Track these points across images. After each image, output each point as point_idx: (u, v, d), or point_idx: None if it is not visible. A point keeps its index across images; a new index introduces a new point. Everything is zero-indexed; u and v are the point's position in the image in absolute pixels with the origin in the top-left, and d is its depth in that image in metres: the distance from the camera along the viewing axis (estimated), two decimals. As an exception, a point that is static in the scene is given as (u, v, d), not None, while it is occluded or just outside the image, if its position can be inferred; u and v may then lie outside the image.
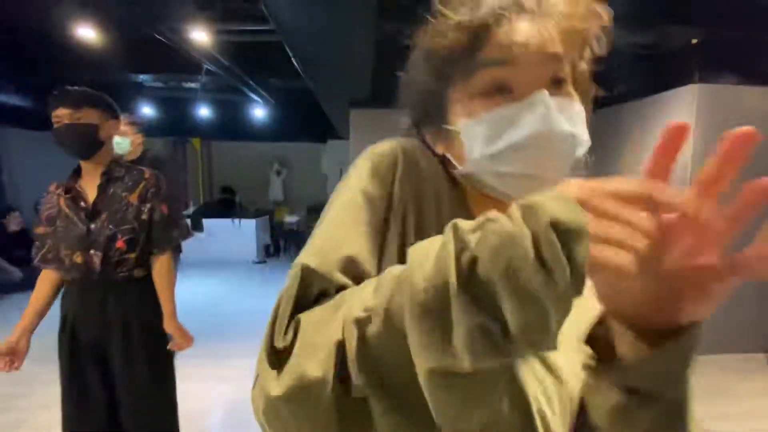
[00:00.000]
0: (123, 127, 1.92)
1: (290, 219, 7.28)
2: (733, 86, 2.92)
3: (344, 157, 7.29)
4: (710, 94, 2.90)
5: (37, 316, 1.48)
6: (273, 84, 4.78)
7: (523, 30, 0.37)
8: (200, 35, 2.59)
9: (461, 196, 0.44)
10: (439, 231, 0.29)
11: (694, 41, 2.85)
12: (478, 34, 0.38)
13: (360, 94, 3.78)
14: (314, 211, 8.04)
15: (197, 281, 4.81)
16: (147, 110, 5.69)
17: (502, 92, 0.39)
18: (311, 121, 6.43)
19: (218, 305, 4.13)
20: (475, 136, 0.39)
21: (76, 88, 1.41)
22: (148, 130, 3.60)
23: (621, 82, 3.65)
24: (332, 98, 4.01)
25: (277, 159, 7.97)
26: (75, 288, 1.45)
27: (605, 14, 0.40)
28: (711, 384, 2.53)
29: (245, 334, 3.41)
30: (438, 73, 0.42)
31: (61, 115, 1.35)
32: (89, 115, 1.38)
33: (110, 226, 1.42)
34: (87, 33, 2.98)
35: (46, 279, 1.46)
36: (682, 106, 3.02)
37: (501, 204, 0.36)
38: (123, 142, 2.10)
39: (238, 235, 6.31)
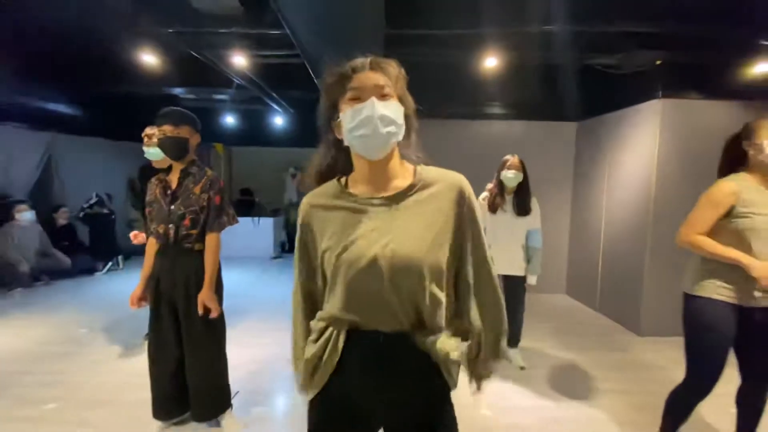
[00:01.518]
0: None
1: (304, 219, 7.80)
2: (694, 100, 3.35)
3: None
4: (673, 108, 3.34)
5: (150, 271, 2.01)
6: (293, 96, 5.34)
7: (366, 75, 0.87)
8: (239, 59, 3.15)
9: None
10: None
11: (658, 62, 3.30)
12: (349, 76, 0.88)
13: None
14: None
15: (222, 273, 5.35)
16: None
17: (357, 100, 0.87)
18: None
19: (241, 293, 4.64)
20: (345, 121, 0.88)
21: (176, 108, 1.95)
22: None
23: (597, 98, 4.12)
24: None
25: (292, 163, 8.53)
26: (160, 252, 1.98)
27: (398, 68, 0.91)
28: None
29: (263, 314, 3.99)
30: (330, 98, 0.92)
31: (165, 129, 1.88)
32: (184, 131, 1.91)
33: (181, 208, 1.94)
34: (138, 55, 3.55)
35: (152, 244, 2.01)
36: (648, 118, 3.47)
37: (361, 159, 0.89)
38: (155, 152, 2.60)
39: (257, 232, 6.84)
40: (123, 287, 4.81)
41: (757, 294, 1.57)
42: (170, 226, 1.93)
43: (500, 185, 2.71)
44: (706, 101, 3.35)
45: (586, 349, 3.21)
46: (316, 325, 0.96)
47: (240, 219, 2.25)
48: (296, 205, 8.27)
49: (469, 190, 0.94)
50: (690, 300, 1.70)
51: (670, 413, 1.80)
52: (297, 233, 0.99)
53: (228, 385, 2.13)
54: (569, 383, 2.69)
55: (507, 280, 2.72)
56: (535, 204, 2.75)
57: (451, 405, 0.97)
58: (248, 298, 4.48)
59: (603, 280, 4.10)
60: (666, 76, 3.32)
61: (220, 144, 7.74)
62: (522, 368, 2.80)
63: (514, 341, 2.87)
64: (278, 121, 6.73)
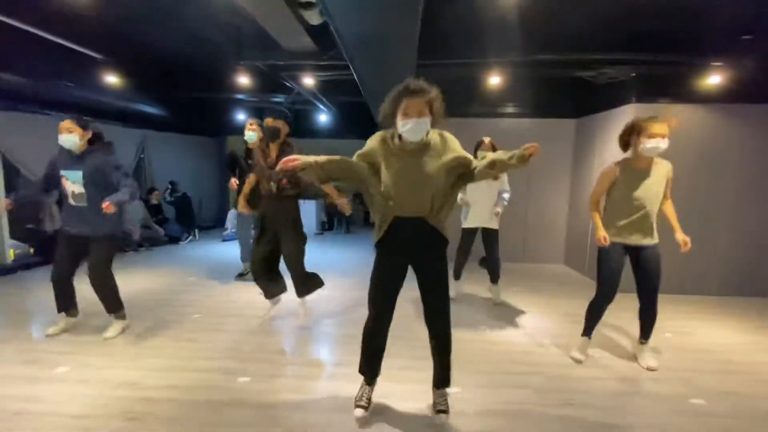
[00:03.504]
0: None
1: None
2: (661, 104, 4.20)
3: (385, 151, 8.85)
4: (643, 111, 4.20)
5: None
6: (337, 99, 6.43)
7: (414, 101, 1.81)
8: (308, 80, 4.24)
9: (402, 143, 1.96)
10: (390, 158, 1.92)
11: (633, 74, 4.16)
12: (407, 95, 1.81)
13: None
14: (359, 195, 9.70)
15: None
16: (242, 117, 7.58)
17: (407, 116, 1.81)
18: (359, 122, 8.04)
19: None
20: (399, 124, 1.85)
21: (279, 107, 3.09)
22: (236, 129, 5.48)
23: (589, 101, 5.01)
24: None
25: (331, 153, 9.66)
26: (265, 199, 3.13)
27: (436, 92, 1.86)
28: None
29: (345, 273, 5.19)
30: (392, 108, 1.90)
31: (268, 121, 3.03)
32: (277, 123, 3.04)
33: (280, 173, 3.07)
34: (231, 76, 4.70)
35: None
36: (623, 120, 4.33)
37: (408, 145, 1.91)
38: (252, 135, 3.88)
39: (303, 212, 8.07)
40: (202, 252, 6.16)
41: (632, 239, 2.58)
42: (272, 183, 3.07)
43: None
44: (671, 105, 4.19)
45: (567, 298, 4.21)
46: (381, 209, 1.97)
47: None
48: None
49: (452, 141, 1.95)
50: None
51: (589, 316, 2.81)
52: (365, 149, 1.97)
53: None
54: (549, 320, 3.71)
55: (484, 232, 3.78)
56: (504, 175, 3.74)
57: (445, 253, 2.04)
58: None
59: (591, 249, 5.04)
60: (639, 85, 4.18)
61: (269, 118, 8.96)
62: (496, 304, 3.88)
63: (495, 278, 3.91)
64: (322, 117, 7.86)
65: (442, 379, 2.18)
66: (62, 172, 2.86)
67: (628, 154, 2.62)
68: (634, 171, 2.57)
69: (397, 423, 2.11)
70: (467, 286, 4.21)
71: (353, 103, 6.64)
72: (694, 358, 2.92)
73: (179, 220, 7.01)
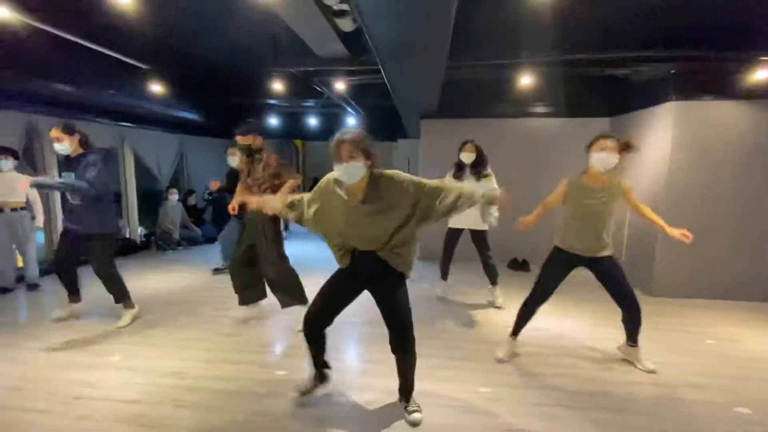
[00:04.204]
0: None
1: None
2: (702, 102, 4.04)
3: (412, 152, 8.91)
4: (684, 109, 4.06)
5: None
6: (366, 102, 6.54)
7: (341, 147, 1.87)
8: (340, 85, 4.36)
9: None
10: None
11: (672, 71, 4.03)
12: (337, 146, 1.89)
13: (429, 109, 5.37)
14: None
15: (301, 246, 6.77)
16: (273, 121, 7.83)
17: (339, 161, 1.86)
18: (386, 125, 8.11)
19: (315, 259, 5.97)
20: (335, 172, 1.92)
21: (249, 121, 3.24)
22: (267, 133, 5.71)
23: (623, 100, 4.88)
24: (410, 112, 5.64)
25: (357, 155, 9.83)
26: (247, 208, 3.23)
27: (359, 136, 1.91)
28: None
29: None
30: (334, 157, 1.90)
31: (238, 139, 3.17)
32: (247, 139, 3.15)
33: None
34: (267, 82, 4.88)
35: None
36: (663, 118, 4.21)
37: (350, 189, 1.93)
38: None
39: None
40: (239, 252, 6.38)
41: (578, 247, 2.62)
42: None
43: (460, 162, 3.71)
44: (712, 102, 4.02)
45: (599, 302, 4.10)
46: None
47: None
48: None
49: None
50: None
51: (521, 316, 2.80)
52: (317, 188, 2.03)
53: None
54: (581, 323, 3.64)
55: (472, 233, 3.75)
56: (492, 177, 3.70)
57: (404, 284, 2.07)
58: (321, 263, 5.79)
59: (628, 252, 4.89)
60: (679, 82, 4.04)
61: (299, 140, 9.21)
62: (498, 308, 3.81)
63: (493, 280, 3.85)
64: (350, 121, 7.99)
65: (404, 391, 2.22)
66: (63, 173, 3.21)
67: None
68: (584, 188, 2.62)
69: (435, 419, 2.15)
70: (502, 290, 4.15)
71: (381, 106, 6.71)
72: (739, 366, 2.80)
73: (215, 221, 7.30)
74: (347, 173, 1.87)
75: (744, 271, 4.17)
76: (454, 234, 3.87)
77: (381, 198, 1.91)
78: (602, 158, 2.50)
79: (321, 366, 2.31)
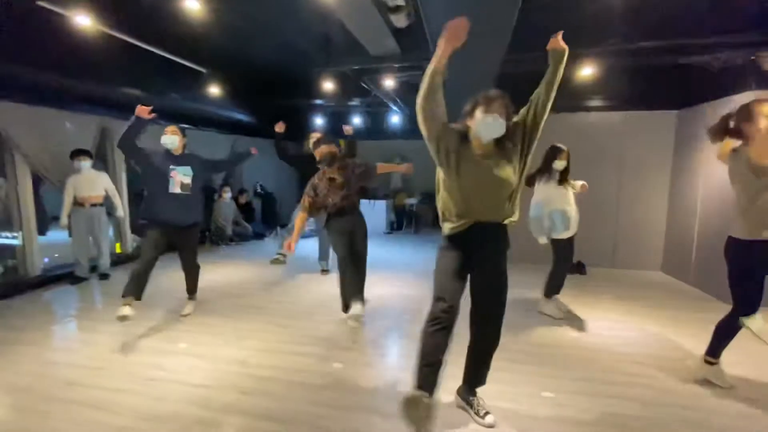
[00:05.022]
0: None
1: (409, 201, 9.04)
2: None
3: (455, 151, 8.75)
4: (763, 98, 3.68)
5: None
6: (412, 99, 6.51)
7: (494, 101, 1.81)
8: (389, 82, 4.37)
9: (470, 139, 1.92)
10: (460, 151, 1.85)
11: (752, 58, 3.67)
12: (479, 102, 1.83)
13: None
14: (428, 195, 9.69)
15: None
16: (319, 121, 8.01)
17: (486, 113, 1.79)
18: (430, 123, 8.04)
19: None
20: (476, 122, 1.83)
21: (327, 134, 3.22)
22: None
23: (694, 91, 4.50)
24: (458, 107, 5.54)
25: (399, 153, 9.80)
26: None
27: (508, 100, 1.85)
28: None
29: (378, 272, 5.38)
30: (471, 109, 1.88)
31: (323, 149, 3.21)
32: (331, 148, 3.21)
33: None
34: (317, 82, 4.99)
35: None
36: (742, 108, 3.83)
37: (479, 141, 1.85)
38: None
39: (372, 213, 8.27)
40: (287, 248, 6.58)
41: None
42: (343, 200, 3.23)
43: (549, 168, 3.41)
44: (804, 90, 3.62)
45: (668, 308, 3.82)
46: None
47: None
48: (401, 191, 9.64)
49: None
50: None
51: (719, 336, 2.40)
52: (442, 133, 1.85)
53: None
54: (649, 331, 3.40)
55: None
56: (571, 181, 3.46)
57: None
58: (372, 259, 5.82)
59: (697, 256, 4.51)
60: (759, 71, 3.67)
61: (342, 140, 9.33)
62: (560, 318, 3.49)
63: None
64: (394, 118, 8.00)
65: (480, 378, 2.11)
66: (172, 167, 3.27)
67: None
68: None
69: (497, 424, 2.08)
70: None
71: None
72: (842, 384, 2.49)
73: (264, 218, 7.58)
74: (492, 128, 1.79)
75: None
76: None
77: (508, 157, 1.88)
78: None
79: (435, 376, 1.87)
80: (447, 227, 1.95)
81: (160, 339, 3.07)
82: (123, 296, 3.04)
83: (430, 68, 1.74)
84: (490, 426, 2.02)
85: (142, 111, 3.08)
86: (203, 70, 4.93)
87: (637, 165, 5.15)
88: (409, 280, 4.67)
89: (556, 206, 3.39)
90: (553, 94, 1.88)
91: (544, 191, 3.46)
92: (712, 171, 4.28)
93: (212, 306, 3.76)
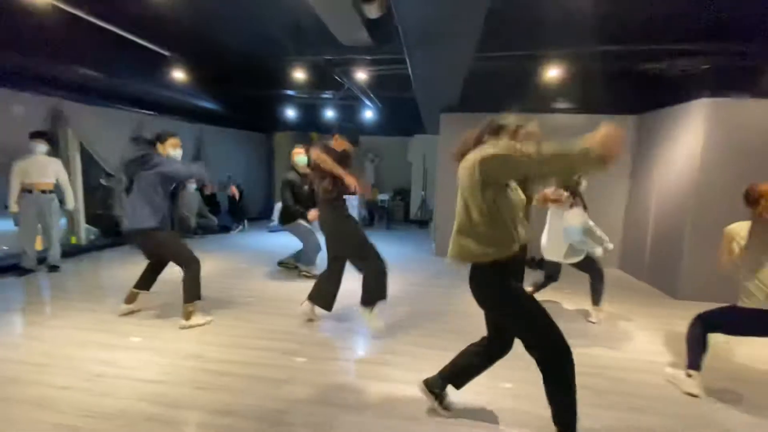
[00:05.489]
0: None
1: (381, 197, 9.05)
2: (736, 100, 3.89)
3: (427, 148, 8.84)
4: (717, 107, 3.91)
5: None
6: (384, 94, 6.48)
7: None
8: (361, 75, 4.32)
9: None
10: None
11: (706, 66, 3.89)
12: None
13: (451, 102, 5.29)
14: (400, 192, 9.75)
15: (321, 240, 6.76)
16: (290, 112, 7.85)
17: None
18: (403, 120, 8.05)
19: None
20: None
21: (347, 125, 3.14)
22: (284, 125, 5.72)
23: (652, 96, 4.73)
24: (430, 105, 5.56)
25: (372, 150, 9.78)
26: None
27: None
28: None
29: (348, 266, 5.23)
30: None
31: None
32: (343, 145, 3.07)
33: None
34: (287, 71, 4.87)
35: None
36: (695, 116, 4.06)
37: None
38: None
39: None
40: (250, 242, 6.43)
41: None
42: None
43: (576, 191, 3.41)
44: (747, 100, 3.87)
45: (622, 302, 4.01)
46: None
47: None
48: (373, 186, 9.63)
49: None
50: None
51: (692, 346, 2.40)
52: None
53: None
54: (604, 324, 3.56)
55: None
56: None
57: None
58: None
59: (650, 254, 4.76)
60: (713, 79, 3.90)
61: (314, 133, 9.20)
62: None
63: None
64: (367, 114, 7.95)
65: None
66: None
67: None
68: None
69: (454, 414, 2.10)
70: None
71: (400, 100, 6.66)
72: (740, 366, 2.70)
73: (231, 211, 7.36)
74: None
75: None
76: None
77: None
78: None
79: None
80: (504, 253, 1.72)
81: (111, 334, 2.91)
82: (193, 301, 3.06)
83: (580, 160, 1.45)
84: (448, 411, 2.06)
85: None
86: (166, 53, 4.70)
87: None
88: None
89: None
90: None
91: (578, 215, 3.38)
92: (668, 170, 4.52)
93: (170, 300, 3.61)
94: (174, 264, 3.15)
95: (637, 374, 2.59)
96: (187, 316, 3.04)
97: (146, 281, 3.29)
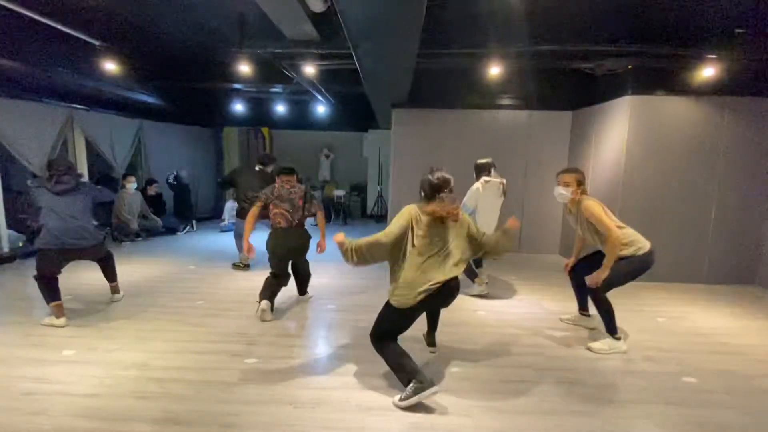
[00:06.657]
0: None
1: (338, 193, 8.99)
2: (658, 97, 4.28)
3: (382, 143, 8.88)
4: (640, 103, 4.28)
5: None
6: (335, 89, 6.42)
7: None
8: (309, 69, 4.24)
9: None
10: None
11: (630, 66, 4.23)
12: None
13: (401, 98, 5.36)
14: (356, 187, 9.73)
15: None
16: (239, 107, 7.55)
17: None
18: (356, 115, 8.02)
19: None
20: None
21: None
22: (232, 120, 5.53)
23: (585, 93, 5.08)
24: (381, 100, 5.60)
25: (326, 145, 9.68)
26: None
27: None
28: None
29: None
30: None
31: None
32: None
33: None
34: (232, 65, 4.67)
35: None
36: (621, 111, 4.42)
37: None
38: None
39: (299, 204, 8.06)
40: (199, 243, 6.16)
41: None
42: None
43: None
44: (666, 97, 4.27)
45: (562, 286, 4.30)
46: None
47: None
48: (330, 182, 9.55)
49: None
50: None
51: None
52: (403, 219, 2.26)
53: None
54: (546, 306, 3.80)
55: None
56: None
57: None
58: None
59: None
60: (636, 78, 4.25)
61: (266, 128, 8.93)
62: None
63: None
64: (320, 109, 7.84)
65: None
66: None
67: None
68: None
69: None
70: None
71: (351, 95, 6.64)
72: (686, 341, 3.03)
73: (177, 211, 6.99)
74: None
75: (689, 256, 4.50)
76: None
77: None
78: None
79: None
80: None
81: (41, 348, 2.69)
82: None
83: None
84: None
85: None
86: (96, 42, 4.34)
87: (539, 160, 5.67)
88: (331, 271, 4.66)
89: None
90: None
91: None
92: (598, 163, 4.88)
93: (108, 308, 3.39)
94: (102, 272, 3.06)
95: (574, 350, 2.80)
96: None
97: None
